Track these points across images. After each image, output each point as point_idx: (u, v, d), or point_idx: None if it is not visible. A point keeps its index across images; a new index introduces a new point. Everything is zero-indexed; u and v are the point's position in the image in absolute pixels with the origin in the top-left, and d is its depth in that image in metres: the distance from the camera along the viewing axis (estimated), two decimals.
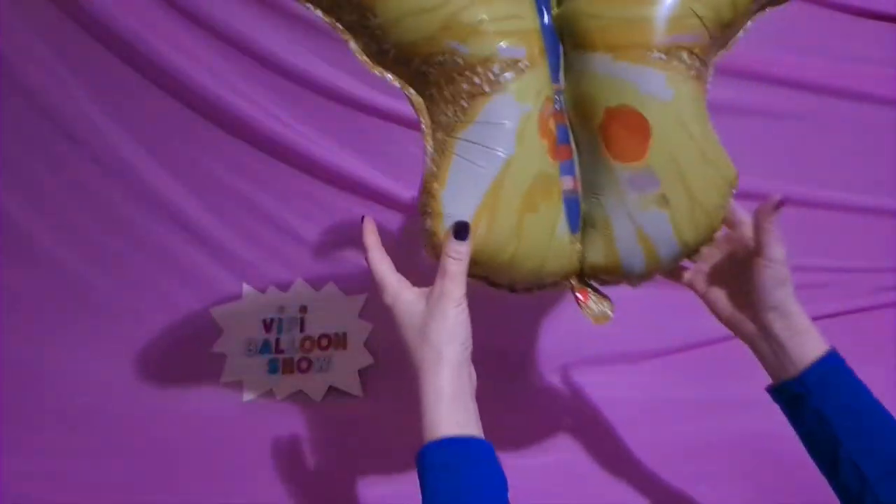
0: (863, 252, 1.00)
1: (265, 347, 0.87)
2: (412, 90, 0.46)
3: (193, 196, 0.93)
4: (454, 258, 0.42)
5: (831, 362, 0.47)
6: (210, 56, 0.89)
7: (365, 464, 0.73)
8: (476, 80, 0.42)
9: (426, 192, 0.44)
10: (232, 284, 0.92)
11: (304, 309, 0.89)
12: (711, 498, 0.68)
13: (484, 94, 0.42)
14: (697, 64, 0.45)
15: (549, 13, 0.47)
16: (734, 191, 0.49)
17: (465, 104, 0.43)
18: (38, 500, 0.68)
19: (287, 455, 0.74)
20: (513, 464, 0.71)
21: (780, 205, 0.48)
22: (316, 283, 0.91)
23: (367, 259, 0.46)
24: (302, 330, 0.88)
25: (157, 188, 0.92)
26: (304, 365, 0.87)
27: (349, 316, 0.88)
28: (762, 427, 0.73)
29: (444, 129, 0.44)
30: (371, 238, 0.47)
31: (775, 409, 0.77)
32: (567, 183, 0.47)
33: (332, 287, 0.91)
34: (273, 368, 0.86)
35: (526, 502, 0.64)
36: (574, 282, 0.50)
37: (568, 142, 0.47)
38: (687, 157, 0.45)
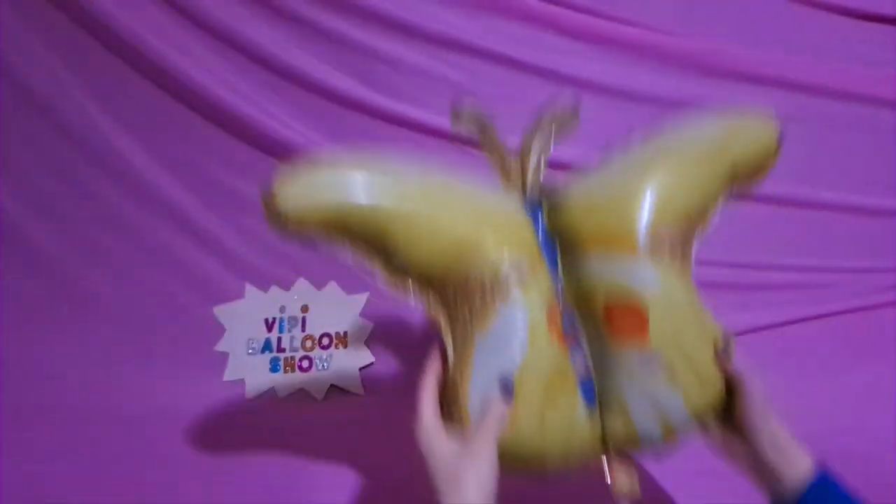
0: (863, 252, 1.00)
1: (267, 346, 0.88)
2: (434, 304, 0.50)
3: (195, 196, 0.93)
4: (493, 417, 0.45)
5: (823, 483, 0.49)
6: (210, 56, 0.89)
7: (366, 462, 0.73)
8: (486, 293, 0.48)
9: (447, 386, 0.48)
10: (234, 283, 0.92)
11: (305, 308, 0.90)
12: (710, 494, 0.68)
13: (495, 304, 0.47)
14: (678, 254, 0.50)
15: (543, 223, 0.54)
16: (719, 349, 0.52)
17: (479, 316, 0.48)
18: (39, 500, 0.68)
19: (289, 453, 0.75)
20: None
21: (729, 346, 0.51)
22: (317, 282, 0.91)
23: (418, 398, 0.48)
24: (303, 329, 0.89)
25: (158, 188, 0.92)
26: (305, 364, 0.87)
27: (350, 315, 0.88)
28: None
29: (462, 334, 0.48)
30: (430, 378, 0.49)
31: (773, 408, 0.77)
32: (579, 366, 0.51)
33: (334, 286, 0.91)
34: (275, 367, 0.87)
35: (519, 496, 0.64)
36: (604, 456, 0.53)
37: (573, 330, 0.52)
38: (686, 338, 0.49)
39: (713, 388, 0.50)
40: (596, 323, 0.50)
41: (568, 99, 0.60)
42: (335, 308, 0.89)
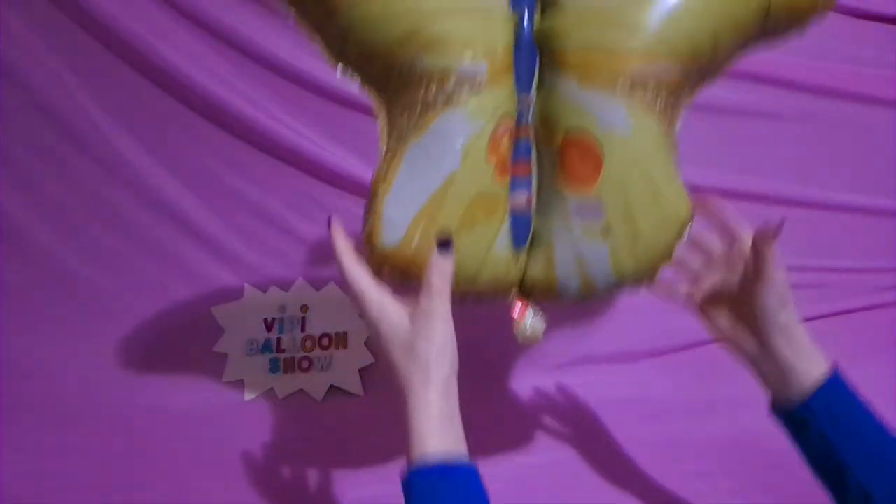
0: (863, 252, 1.00)
1: (266, 347, 0.87)
2: (373, 91, 0.46)
3: (194, 195, 0.93)
4: (439, 273, 0.42)
5: (836, 385, 0.47)
6: (210, 56, 0.89)
7: (366, 462, 0.73)
8: (432, 91, 0.42)
9: (372, 191, 0.44)
10: (233, 284, 0.92)
11: (304, 308, 0.90)
12: (708, 497, 0.68)
13: (437, 106, 0.42)
14: (664, 99, 0.45)
15: (531, 24, 0.46)
16: (686, 232, 0.48)
17: (419, 114, 0.43)
18: (39, 500, 0.68)
19: (288, 454, 0.75)
20: (507, 464, 0.72)
21: (779, 229, 0.48)
22: (317, 283, 0.91)
23: (339, 268, 0.44)
24: (303, 329, 0.88)
25: (158, 187, 0.92)
26: (305, 364, 0.87)
27: (350, 315, 0.88)
28: (759, 427, 0.73)
29: (399, 134, 0.44)
30: (341, 243, 0.44)
31: None
32: (521, 198, 0.47)
33: (333, 286, 0.91)
34: (274, 368, 0.86)
35: (520, 502, 0.64)
36: (513, 295, 0.50)
37: (529, 157, 0.47)
38: (636, 194, 0.45)
39: (647, 255, 0.46)
40: (551, 155, 0.46)
41: None
42: (335, 308, 0.89)
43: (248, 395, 0.85)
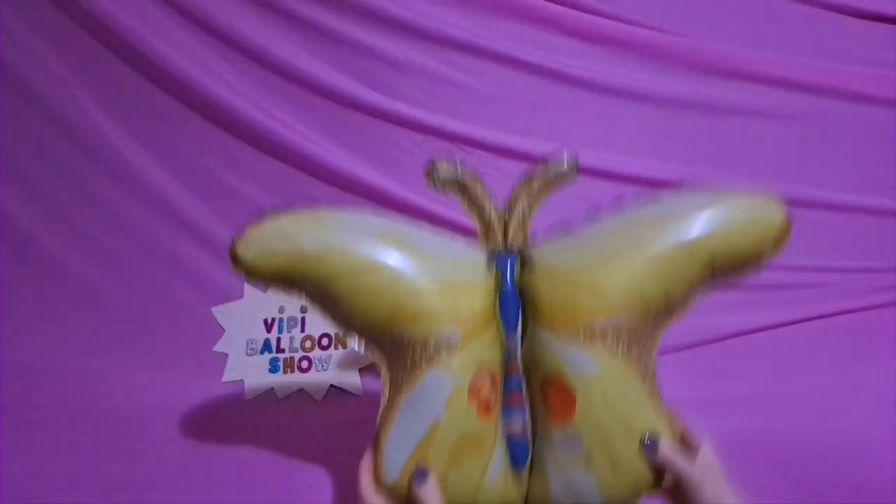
0: (863, 252, 1.00)
1: (266, 347, 0.88)
2: (376, 351, 0.53)
3: (194, 196, 0.93)
4: (425, 499, 0.48)
5: None
6: (210, 56, 0.89)
7: None
8: (417, 354, 0.50)
9: (376, 435, 0.51)
10: (233, 284, 0.92)
11: (304, 308, 0.90)
12: None
13: (422, 365, 0.49)
14: (626, 344, 0.50)
15: (512, 277, 0.54)
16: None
17: (409, 370, 0.50)
18: (39, 500, 0.68)
19: (288, 454, 0.75)
20: None
21: (653, 446, 0.50)
22: None
23: (362, 466, 0.52)
24: (303, 329, 0.89)
25: (158, 187, 0.92)
26: (304, 364, 0.87)
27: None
28: (760, 426, 0.74)
29: (395, 387, 0.51)
30: (366, 479, 0.51)
31: (773, 408, 0.77)
32: (516, 425, 0.52)
33: None
34: (274, 368, 0.87)
35: None
36: None
37: (520, 389, 0.53)
38: (609, 427, 0.49)
39: (629, 478, 0.50)
40: (534, 393, 0.52)
41: (566, 154, 0.58)
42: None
43: (248, 395, 0.85)
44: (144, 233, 0.93)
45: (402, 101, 0.92)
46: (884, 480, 0.63)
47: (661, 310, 0.52)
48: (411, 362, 0.50)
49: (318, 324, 0.89)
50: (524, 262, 0.54)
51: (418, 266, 0.51)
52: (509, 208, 0.57)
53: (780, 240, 0.52)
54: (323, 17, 0.90)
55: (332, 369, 0.86)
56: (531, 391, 0.53)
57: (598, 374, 0.49)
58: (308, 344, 0.88)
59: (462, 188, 0.57)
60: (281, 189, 0.93)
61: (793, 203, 1.03)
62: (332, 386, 0.85)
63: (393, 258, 0.50)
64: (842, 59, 0.98)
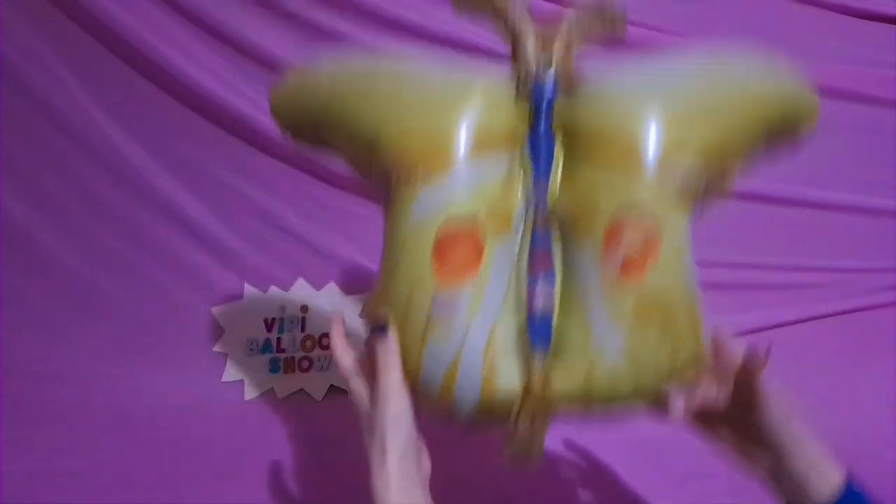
0: (863, 252, 1.00)
1: (266, 347, 0.87)
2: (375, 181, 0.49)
3: (194, 196, 0.93)
4: (383, 352, 0.43)
5: (853, 495, 0.46)
6: (210, 56, 0.89)
7: (365, 463, 0.73)
8: (397, 175, 0.44)
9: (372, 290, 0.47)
10: (233, 284, 0.92)
11: (304, 308, 0.90)
12: (706, 498, 0.68)
13: (400, 190, 0.44)
14: (688, 192, 0.44)
15: (549, 108, 0.46)
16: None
17: (387, 201, 0.46)
18: (39, 500, 0.68)
19: (288, 454, 0.74)
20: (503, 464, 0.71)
21: (767, 356, 0.45)
22: (316, 283, 0.91)
23: (334, 356, 0.47)
24: (303, 329, 0.88)
25: (158, 188, 0.92)
26: (305, 364, 0.87)
27: (350, 315, 0.88)
28: None
29: (385, 219, 0.47)
30: (337, 336, 0.47)
31: None
32: (542, 297, 0.44)
33: (333, 286, 0.91)
34: (274, 368, 0.86)
35: (515, 501, 0.64)
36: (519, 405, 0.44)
37: (548, 249, 0.45)
38: (684, 285, 0.43)
39: (688, 352, 0.44)
40: (592, 243, 0.43)
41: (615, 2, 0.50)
42: (335, 308, 0.89)
43: (248, 395, 0.85)
44: (144, 233, 0.93)
45: None
46: (884, 480, 0.63)
47: (715, 164, 0.45)
48: (386, 189, 0.45)
49: (319, 324, 0.89)
50: (570, 89, 0.46)
51: (419, 79, 0.46)
52: (553, 25, 0.49)
53: (815, 115, 0.53)
54: (323, 18, 0.90)
55: (332, 369, 0.86)
56: (572, 247, 0.44)
57: (685, 224, 0.43)
58: (308, 344, 0.88)
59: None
60: (281, 189, 0.93)
61: (793, 203, 1.03)
62: (332, 386, 0.85)
63: (390, 76, 0.47)
64: (843, 59, 0.98)
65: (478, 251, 0.42)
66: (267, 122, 0.89)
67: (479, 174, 0.43)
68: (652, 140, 0.43)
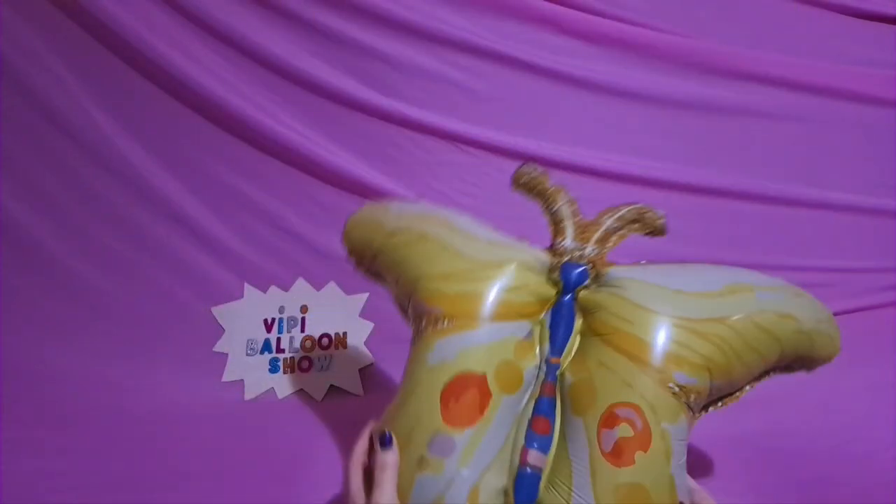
0: (863, 252, 1.00)
1: (266, 347, 0.87)
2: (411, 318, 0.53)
3: (194, 196, 0.93)
4: (380, 468, 0.45)
5: None
6: (210, 56, 0.89)
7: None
8: (424, 323, 0.50)
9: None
10: (233, 284, 0.92)
11: (304, 308, 0.89)
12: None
13: (425, 336, 0.49)
14: (693, 408, 0.46)
15: (571, 302, 0.50)
16: None
17: (414, 340, 0.51)
18: (39, 499, 0.68)
19: (288, 454, 0.74)
20: None
21: None
22: (316, 283, 0.91)
23: (346, 470, 0.48)
24: (303, 329, 0.88)
25: (158, 188, 0.92)
26: (304, 364, 0.87)
27: (350, 315, 0.88)
28: (761, 426, 0.73)
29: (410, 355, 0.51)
30: (358, 454, 0.49)
31: (773, 408, 0.77)
32: (536, 457, 0.46)
33: (333, 286, 0.91)
34: (274, 368, 0.86)
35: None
36: None
37: (551, 416, 0.47)
38: (664, 483, 0.44)
39: None
40: (589, 422, 0.45)
41: (661, 213, 0.55)
42: (335, 309, 0.89)
43: (248, 395, 0.85)
44: (144, 233, 0.93)
45: (402, 101, 0.92)
46: (885, 480, 0.63)
47: (723, 380, 0.48)
48: (416, 329, 0.50)
49: (318, 324, 0.89)
50: (598, 280, 0.51)
51: (467, 241, 0.52)
52: (595, 220, 0.54)
53: (833, 356, 0.55)
54: (324, 18, 0.90)
55: (332, 369, 0.86)
56: (573, 425, 0.46)
57: (676, 426, 0.44)
58: (308, 344, 0.88)
59: (542, 193, 0.56)
60: (281, 189, 0.93)
61: (793, 203, 1.03)
62: (332, 386, 0.85)
63: (443, 230, 0.52)
64: (843, 59, 0.98)
65: (483, 402, 0.46)
66: (267, 123, 0.90)
67: (499, 334, 0.48)
68: (661, 342, 0.46)
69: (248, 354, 0.87)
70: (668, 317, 0.46)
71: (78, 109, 0.90)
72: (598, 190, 0.92)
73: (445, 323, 0.48)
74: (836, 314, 0.96)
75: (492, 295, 0.48)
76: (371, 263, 0.58)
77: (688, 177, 0.95)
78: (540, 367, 0.49)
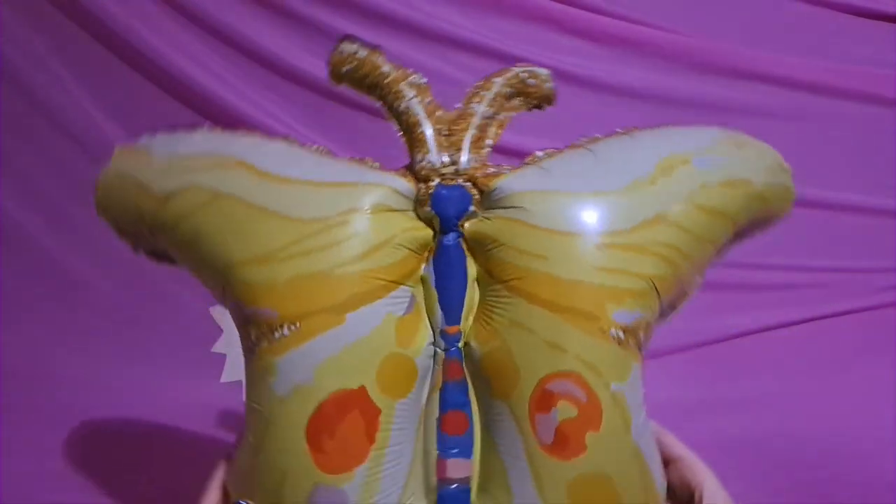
0: (863, 252, 1.00)
1: None
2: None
3: None
4: None
5: None
6: (210, 55, 0.89)
7: None
8: (254, 335, 0.36)
9: None
10: None
11: None
12: None
13: (259, 354, 0.35)
14: (642, 347, 0.36)
15: (456, 243, 0.36)
16: None
17: (247, 359, 0.39)
18: (39, 499, 0.68)
19: None
20: None
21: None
22: None
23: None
24: None
25: None
26: None
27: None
28: (761, 427, 0.73)
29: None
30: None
31: (773, 408, 0.77)
32: (458, 466, 0.34)
33: None
34: None
35: None
36: None
37: (466, 405, 0.35)
38: (630, 464, 0.34)
39: None
40: (516, 407, 0.33)
41: (544, 71, 0.42)
42: None
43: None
44: None
45: None
46: (885, 481, 0.63)
47: (674, 291, 0.37)
48: (246, 345, 0.36)
49: None
50: (485, 200, 0.36)
51: (284, 190, 0.34)
52: (461, 111, 0.39)
53: (788, 208, 0.45)
54: (324, 16, 0.90)
55: None
56: (486, 406, 0.35)
57: (629, 382, 0.34)
58: None
59: (364, 75, 0.39)
60: None
61: (794, 203, 1.03)
62: None
63: (244, 179, 0.35)
64: (844, 58, 0.98)
65: (371, 426, 0.33)
66: (267, 123, 0.90)
67: (369, 323, 0.33)
68: (588, 276, 0.33)
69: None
70: (592, 236, 0.33)
71: (78, 109, 0.90)
72: None
73: (284, 330, 0.33)
74: (836, 314, 0.97)
75: (343, 268, 0.33)
76: (152, 243, 0.43)
77: None
78: (436, 344, 0.35)
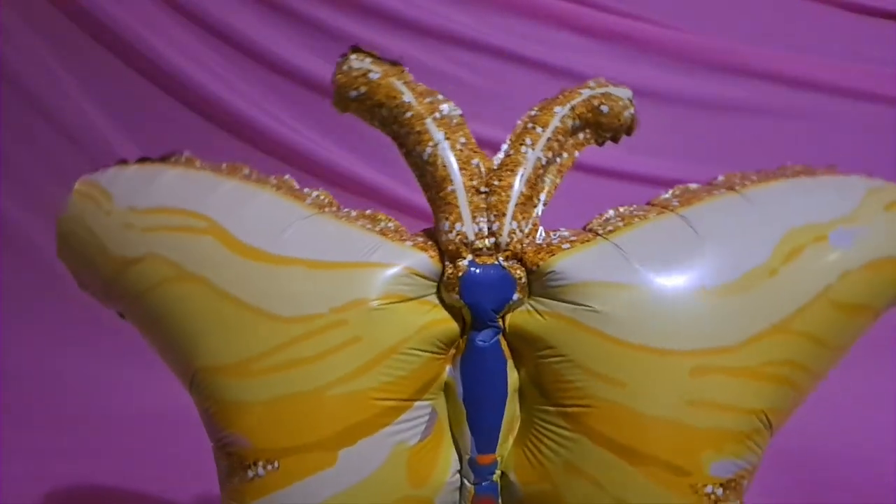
0: None
1: None
2: None
3: None
4: None
5: None
6: (210, 56, 0.89)
7: None
8: (236, 463, 0.29)
9: None
10: None
11: None
12: None
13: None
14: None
15: (493, 341, 0.28)
16: None
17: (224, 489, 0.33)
18: (38, 499, 0.68)
19: None
20: None
21: None
22: None
23: None
24: None
25: None
26: None
27: None
28: None
29: None
30: None
31: None
32: None
33: None
34: None
35: None
36: None
37: None
38: None
39: None
40: None
41: (624, 93, 0.31)
42: None
43: None
44: None
45: None
46: (885, 481, 0.64)
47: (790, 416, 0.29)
48: (221, 472, 0.27)
49: None
50: (535, 284, 0.28)
51: (265, 271, 0.26)
52: (507, 160, 0.30)
53: None
54: (323, 15, 0.90)
55: None
56: None
57: None
58: None
59: (376, 102, 0.28)
60: None
61: None
62: None
63: (215, 252, 0.27)
64: (848, 56, 0.98)
65: None
66: (267, 122, 0.89)
67: (371, 461, 0.25)
68: (683, 415, 0.25)
69: None
70: (689, 356, 0.25)
71: (78, 111, 0.90)
72: (603, 188, 0.92)
73: (259, 469, 0.26)
74: None
75: (336, 388, 0.25)
76: (112, 301, 0.33)
77: (695, 174, 0.95)
78: (463, 474, 0.28)
